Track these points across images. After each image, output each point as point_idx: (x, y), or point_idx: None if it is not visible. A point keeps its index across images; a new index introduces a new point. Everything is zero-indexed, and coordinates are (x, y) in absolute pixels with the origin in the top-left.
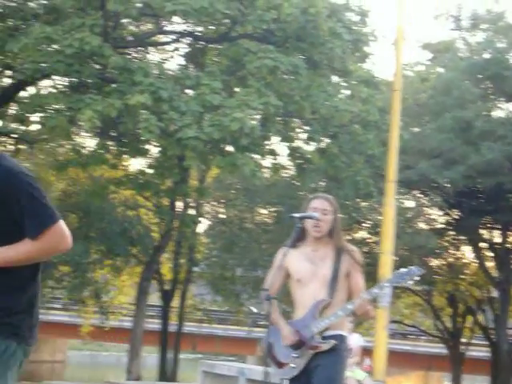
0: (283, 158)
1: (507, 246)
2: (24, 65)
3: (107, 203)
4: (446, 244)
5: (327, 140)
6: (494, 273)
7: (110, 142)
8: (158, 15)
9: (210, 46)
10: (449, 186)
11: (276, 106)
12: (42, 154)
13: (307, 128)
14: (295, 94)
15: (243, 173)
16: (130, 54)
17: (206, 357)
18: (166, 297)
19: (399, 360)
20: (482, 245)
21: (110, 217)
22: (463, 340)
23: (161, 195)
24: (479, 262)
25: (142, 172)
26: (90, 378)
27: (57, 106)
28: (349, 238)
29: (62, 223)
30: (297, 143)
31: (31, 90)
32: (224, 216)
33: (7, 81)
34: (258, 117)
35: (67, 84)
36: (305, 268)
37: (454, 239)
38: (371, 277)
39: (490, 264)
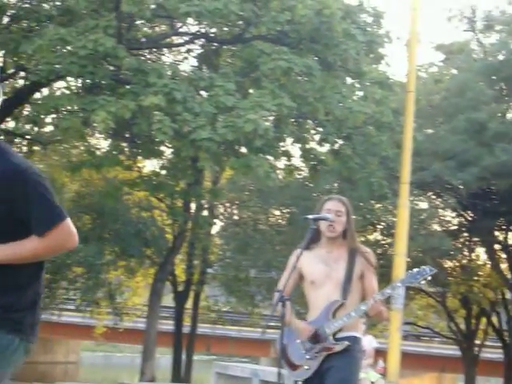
0: (297, 160)
1: None
2: (38, 66)
3: (121, 204)
4: (460, 246)
5: (341, 141)
6: (508, 274)
7: (123, 144)
8: (171, 17)
9: (224, 47)
10: (462, 187)
11: (290, 107)
12: (55, 155)
13: (321, 129)
14: (309, 95)
15: (257, 174)
16: (143, 56)
17: (220, 358)
18: (180, 298)
19: (413, 362)
20: (496, 246)
21: (124, 218)
22: (477, 342)
23: (175, 196)
24: (493, 263)
25: (155, 173)
26: (103, 379)
27: (70, 108)
28: (363, 239)
29: (69, 221)
30: (310, 145)
31: (45, 91)
32: (238, 217)
33: (21, 82)
34: (272, 118)
35: (81, 85)
36: (318, 270)
37: (467, 241)
38: (385, 278)
39: (503, 266)
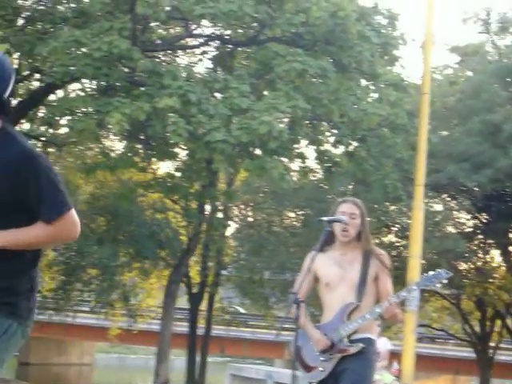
0: (311, 162)
1: None
2: (53, 68)
3: (135, 206)
4: (475, 248)
5: (355, 143)
6: None
7: (138, 145)
8: (186, 19)
9: (239, 49)
10: (477, 189)
11: (304, 109)
12: (70, 157)
13: (335, 131)
14: (323, 97)
15: (271, 176)
16: (158, 58)
17: (234, 360)
18: (194, 300)
19: (427, 364)
20: (511, 248)
21: (139, 220)
22: (491, 344)
23: (189, 198)
24: (508, 265)
25: (170, 175)
26: (117, 381)
27: (85, 109)
28: (377, 241)
29: (74, 211)
30: (325, 146)
31: (60, 93)
32: (252, 219)
33: (36, 84)
34: (287, 120)
35: (95, 87)
36: (333, 272)
37: (482, 243)
38: (399, 280)
39: None
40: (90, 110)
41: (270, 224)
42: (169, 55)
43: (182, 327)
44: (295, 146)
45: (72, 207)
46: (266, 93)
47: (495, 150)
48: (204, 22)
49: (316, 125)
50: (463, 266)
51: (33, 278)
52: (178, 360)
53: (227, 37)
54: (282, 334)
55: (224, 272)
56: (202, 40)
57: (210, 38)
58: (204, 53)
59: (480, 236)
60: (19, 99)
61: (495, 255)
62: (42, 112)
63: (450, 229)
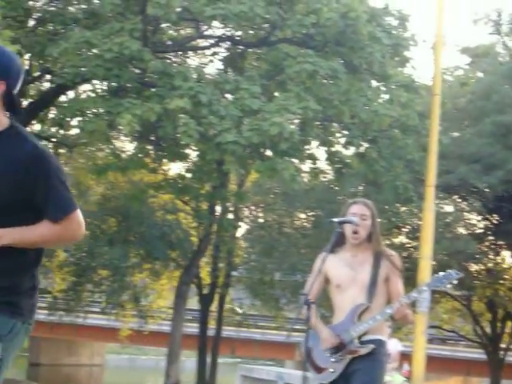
0: (322, 163)
1: None
2: (64, 69)
3: (146, 207)
4: (486, 249)
5: (366, 144)
6: None
7: (149, 146)
8: (197, 20)
9: (250, 50)
10: (488, 190)
11: (315, 110)
12: (81, 158)
13: (346, 132)
14: (334, 98)
15: (282, 177)
16: (169, 59)
17: (245, 361)
18: (205, 301)
19: (438, 365)
20: None
21: (149, 221)
22: (502, 345)
23: (200, 199)
24: None
25: (181, 176)
26: (128, 382)
27: (96, 110)
28: (388, 242)
29: (80, 212)
30: (336, 148)
31: (71, 94)
32: (263, 220)
33: (47, 85)
34: (297, 121)
35: (106, 88)
36: (344, 273)
37: (493, 244)
38: (410, 282)
39: None
40: (101, 110)
41: (281, 225)
42: (179, 56)
43: (193, 328)
44: (306, 147)
45: (78, 208)
46: (276, 94)
47: (506, 151)
48: (215, 23)
49: (327, 126)
50: (474, 267)
51: (35, 276)
52: (188, 361)
53: (238, 38)
54: (293, 335)
55: (234, 273)
56: (212, 41)
57: (221, 39)
58: (215, 54)
59: (491, 237)
60: (30, 100)
61: (506, 256)
62: (52, 113)
63: (461, 230)
